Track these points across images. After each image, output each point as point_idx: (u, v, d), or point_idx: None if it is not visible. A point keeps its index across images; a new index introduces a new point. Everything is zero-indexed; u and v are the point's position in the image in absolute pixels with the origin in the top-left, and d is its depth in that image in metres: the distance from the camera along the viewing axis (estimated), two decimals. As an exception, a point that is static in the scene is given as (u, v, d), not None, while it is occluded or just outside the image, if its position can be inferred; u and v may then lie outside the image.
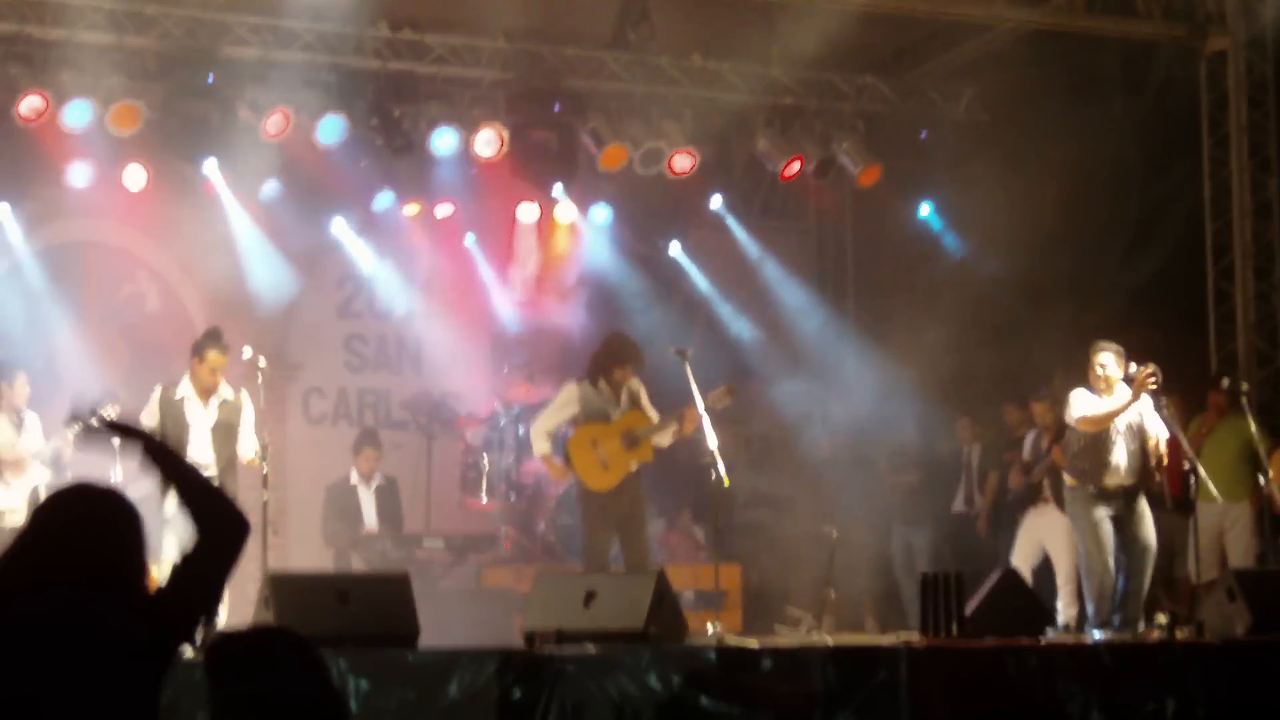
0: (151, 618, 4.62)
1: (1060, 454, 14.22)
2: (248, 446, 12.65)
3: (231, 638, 4.78)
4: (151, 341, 15.86)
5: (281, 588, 10.14)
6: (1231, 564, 13.42)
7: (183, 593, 4.74)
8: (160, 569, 11.75)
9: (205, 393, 12.61)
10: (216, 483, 5.23)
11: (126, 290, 16.37)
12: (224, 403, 12.63)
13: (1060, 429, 13.92)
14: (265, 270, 16.22)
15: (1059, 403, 13.29)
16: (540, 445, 13.38)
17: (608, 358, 13.30)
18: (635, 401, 13.25)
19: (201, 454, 12.38)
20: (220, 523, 4.83)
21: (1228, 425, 13.99)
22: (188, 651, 9.09)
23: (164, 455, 4.95)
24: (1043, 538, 14.30)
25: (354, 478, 15.19)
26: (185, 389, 12.65)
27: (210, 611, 4.89)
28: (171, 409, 12.55)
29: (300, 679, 4.67)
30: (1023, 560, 14.15)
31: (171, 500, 4.84)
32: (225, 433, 12.58)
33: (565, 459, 13.18)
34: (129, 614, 4.56)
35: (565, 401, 13.33)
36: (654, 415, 13.18)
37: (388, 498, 15.17)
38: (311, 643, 4.76)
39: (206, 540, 4.79)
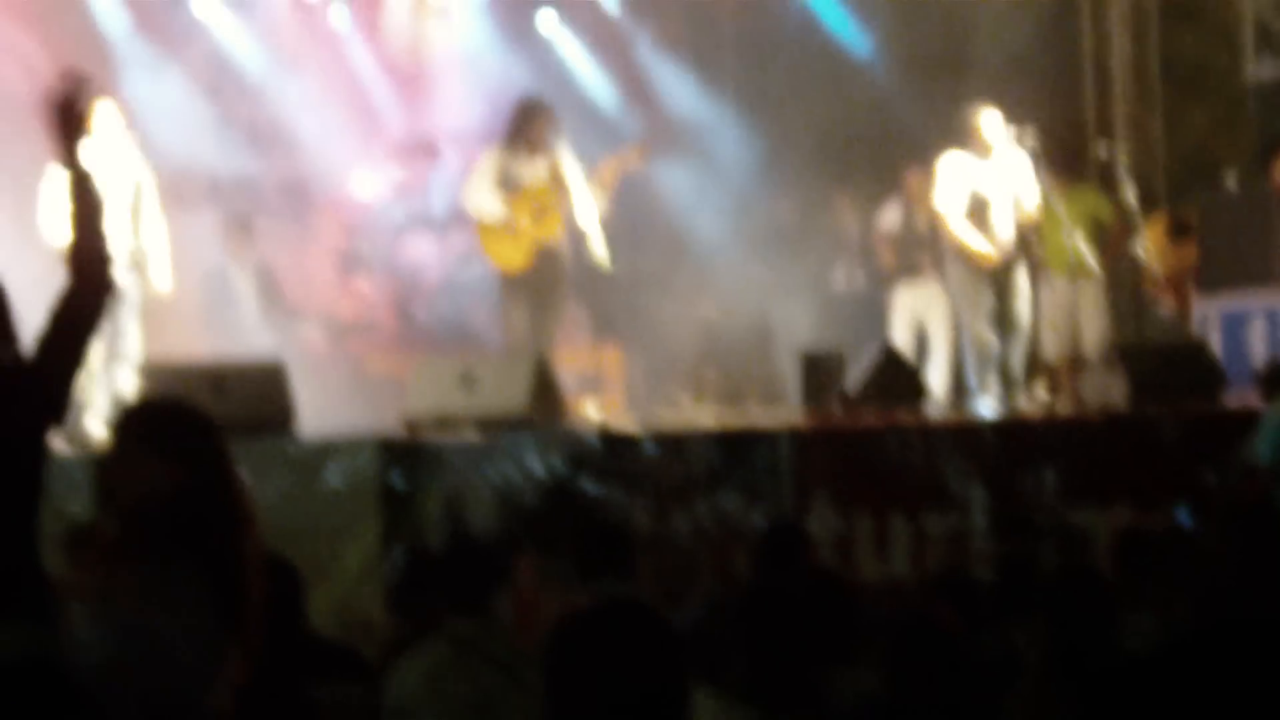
0: (26, 391, 4.44)
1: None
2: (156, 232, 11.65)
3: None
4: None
5: (154, 378, 10.03)
6: (1087, 339, 13.49)
7: (54, 358, 4.53)
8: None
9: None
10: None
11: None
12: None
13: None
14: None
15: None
16: (488, 205, 12.55)
17: (520, 117, 12.65)
18: (556, 170, 12.63)
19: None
20: (96, 279, 4.63)
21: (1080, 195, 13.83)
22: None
23: (88, 184, 4.74)
24: (920, 312, 14.24)
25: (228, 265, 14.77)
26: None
27: (74, 377, 4.69)
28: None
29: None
30: (901, 336, 14.10)
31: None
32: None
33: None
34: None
35: (484, 169, 12.66)
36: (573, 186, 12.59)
37: (267, 283, 14.81)
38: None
39: (78, 295, 4.58)
